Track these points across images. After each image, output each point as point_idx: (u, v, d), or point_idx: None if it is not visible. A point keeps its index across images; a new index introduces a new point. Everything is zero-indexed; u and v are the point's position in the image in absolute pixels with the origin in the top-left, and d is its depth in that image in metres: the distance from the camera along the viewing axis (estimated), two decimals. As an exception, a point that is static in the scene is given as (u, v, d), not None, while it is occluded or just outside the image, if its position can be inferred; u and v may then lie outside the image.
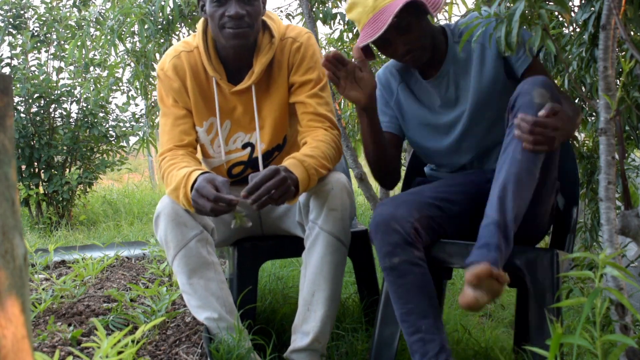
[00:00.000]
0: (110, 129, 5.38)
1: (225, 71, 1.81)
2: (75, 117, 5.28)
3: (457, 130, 1.78)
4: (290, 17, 3.89)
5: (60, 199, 5.08)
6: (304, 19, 3.26)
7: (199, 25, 1.80)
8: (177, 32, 3.55)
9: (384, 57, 3.45)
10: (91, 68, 5.19)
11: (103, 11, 4.03)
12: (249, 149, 1.89)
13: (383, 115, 1.87)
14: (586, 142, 2.48)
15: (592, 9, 1.45)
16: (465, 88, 1.75)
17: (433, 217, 1.62)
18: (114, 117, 5.53)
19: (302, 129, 1.81)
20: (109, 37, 3.43)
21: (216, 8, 1.68)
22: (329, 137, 1.76)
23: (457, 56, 1.76)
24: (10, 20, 5.17)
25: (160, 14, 3.32)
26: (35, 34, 5.21)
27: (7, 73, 4.05)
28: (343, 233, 1.70)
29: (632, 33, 1.65)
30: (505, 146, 1.48)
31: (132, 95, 4.64)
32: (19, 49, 5.19)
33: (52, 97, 5.05)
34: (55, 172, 5.09)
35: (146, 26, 3.29)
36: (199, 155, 1.94)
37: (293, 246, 1.88)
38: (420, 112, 1.83)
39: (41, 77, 5.01)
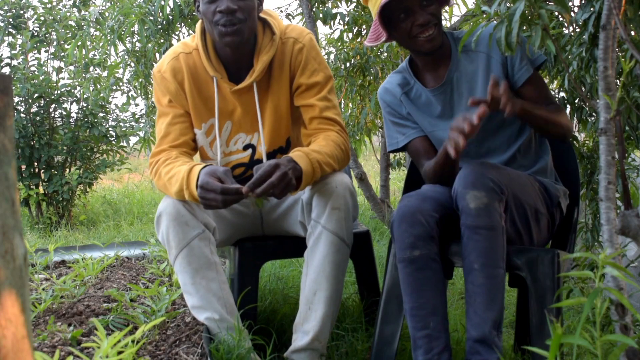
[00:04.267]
0: (110, 129, 5.38)
1: (226, 71, 1.81)
2: (75, 117, 5.28)
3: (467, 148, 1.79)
4: (290, 17, 3.89)
5: (60, 199, 5.08)
6: (304, 19, 3.26)
7: (198, 25, 1.80)
8: (177, 32, 3.55)
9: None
10: (91, 68, 5.19)
11: (103, 11, 4.03)
12: (250, 151, 1.89)
13: (404, 127, 1.87)
14: (586, 142, 2.48)
15: (592, 9, 1.45)
16: (473, 95, 1.75)
17: (450, 217, 1.62)
18: (114, 117, 5.53)
19: (310, 131, 1.80)
20: (109, 37, 3.43)
21: (208, 5, 1.67)
22: (339, 139, 1.77)
23: (462, 65, 1.77)
24: (10, 20, 5.17)
25: (160, 14, 3.32)
26: (35, 34, 5.21)
27: (7, 73, 4.05)
28: (346, 233, 1.70)
29: (632, 33, 1.65)
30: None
31: (132, 95, 4.65)
32: (18, 49, 5.19)
33: (52, 97, 5.05)
34: (55, 172, 5.09)
35: (146, 26, 3.29)
36: (197, 157, 1.94)
37: (294, 247, 1.88)
38: (424, 121, 1.85)
39: (41, 77, 5.01)
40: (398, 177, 7.06)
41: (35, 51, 5.29)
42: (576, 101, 2.37)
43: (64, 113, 5.23)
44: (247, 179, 1.60)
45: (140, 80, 3.64)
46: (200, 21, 1.80)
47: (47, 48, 5.31)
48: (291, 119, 1.87)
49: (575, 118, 2.39)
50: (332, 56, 3.69)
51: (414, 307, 1.55)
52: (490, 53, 1.73)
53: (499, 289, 1.46)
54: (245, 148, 1.89)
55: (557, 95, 2.53)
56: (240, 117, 1.84)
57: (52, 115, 5.20)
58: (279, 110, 1.83)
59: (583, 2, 1.50)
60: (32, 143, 4.97)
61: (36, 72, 5.13)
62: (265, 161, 1.85)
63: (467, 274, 1.50)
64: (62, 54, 5.21)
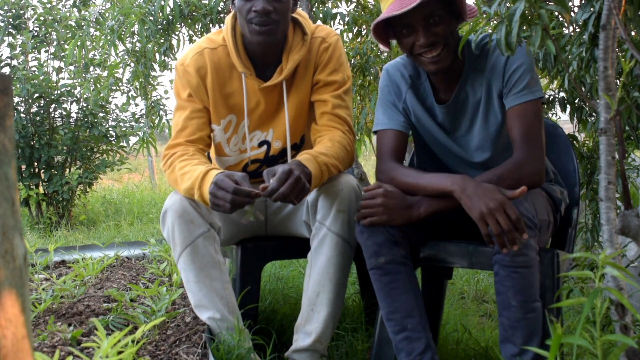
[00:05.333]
0: (110, 129, 5.39)
1: (253, 67, 1.81)
2: (75, 117, 5.29)
3: (462, 157, 1.76)
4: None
5: (60, 199, 5.08)
6: (304, 19, 3.25)
7: (227, 21, 1.80)
8: (177, 32, 3.56)
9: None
10: (91, 68, 5.20)
11: (103, 11, 4.03)
12: (265, 147, 1.89)
13: (391, 111, 1.76)
14: (586, 142, 2.48)
15: (592, 9, 1.45)
16: (472, 125, 1.71)
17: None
18: (114, 117, 5.53)
19: (319, 127, 1.81)
20: (109, 37, 3.43)
21: (244, 2, 1.68)
22: (345, 140, 1.76)
23: (471, 84, 1.68)
24: (10, 20, 5.18)
25: (160, 14, 3.32)
26: (35, 34, 5.21)
27: (7, 73, 4.05)
28: (350, 235, 1.70)
29: (632, 33, 1.65)
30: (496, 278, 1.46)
31: (132, 95, 4.64)
32: (18, 49, 5.19)
33: (52, 97, 5.05)
34: (55, 172, 5.09)
35: (146, 26, 3.29)
36: (211, 153, 1.94)
37: (296, 247, 1.88)
38: (423, 116, 1.77)
39: (41, 77, 5.01)
40: (398, 177, 7.05)
41: (35, 51, 5.29)
42: (576, 101, 2.37)
43: (64, 113, 5.24)
44: (260, 175, 1.59)
45: (140, 80, 3.64)
46: (229, 17, 1.80)
47: (47, 48, 5.31)
48: (307, 116, 1.88)
49: (575, 118, 2.39)
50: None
51: (389, 311, 1.55)
52: (491, 82, 1.65)
53: (538, 320, 1.43)
54: (260, 145, 1.89)
55: (557, 96, 2.53)
56: (260, 113, 1.84)
57: (52, 115, 5.21)
58: (299, 108, 1.84)
59: (583, 2, 1.50)
60: (32, 143, 4.97)
61: (36, 72, 5.13)
62: (290, 153, 1.84)
63: (502, 309, 1.45)
64: (62, 54, 5.21)
